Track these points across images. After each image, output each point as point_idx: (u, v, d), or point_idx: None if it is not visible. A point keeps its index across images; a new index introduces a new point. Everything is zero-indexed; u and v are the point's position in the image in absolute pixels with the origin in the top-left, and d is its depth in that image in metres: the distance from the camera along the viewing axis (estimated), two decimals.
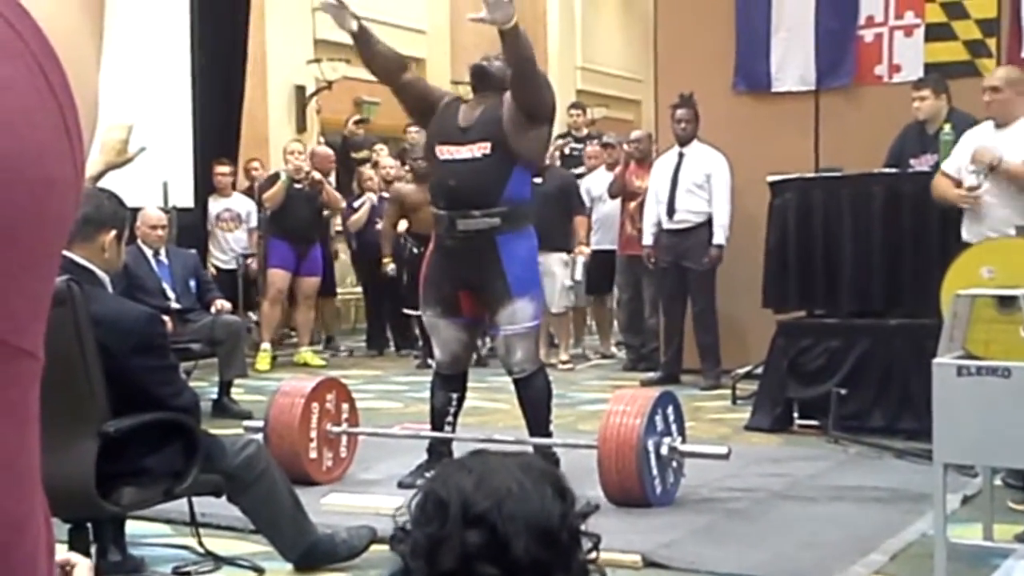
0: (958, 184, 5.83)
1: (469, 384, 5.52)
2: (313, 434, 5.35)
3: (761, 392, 6.84)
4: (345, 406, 5.58)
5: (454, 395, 5.36)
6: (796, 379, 6.58)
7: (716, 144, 8.21)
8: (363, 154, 11.76)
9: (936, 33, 7.96)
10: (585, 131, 11.33)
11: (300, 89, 12.88)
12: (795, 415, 6.60)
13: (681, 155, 8.30)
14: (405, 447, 5.70)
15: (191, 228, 9.33)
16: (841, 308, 6.65)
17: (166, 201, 8.89)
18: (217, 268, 9.56)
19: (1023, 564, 2.77)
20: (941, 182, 5.93)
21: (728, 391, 7.62)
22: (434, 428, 5.40)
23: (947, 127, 6.33)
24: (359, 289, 11.50)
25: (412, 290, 7.61)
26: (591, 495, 4.38)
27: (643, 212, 8.65)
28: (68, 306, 3.32)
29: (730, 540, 4.43)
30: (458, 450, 4.91)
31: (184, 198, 9.60)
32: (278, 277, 9.55)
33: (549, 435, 5.29)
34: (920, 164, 6.63)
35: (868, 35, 8.22)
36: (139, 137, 3.89)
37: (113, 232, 3.68)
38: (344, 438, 5.55)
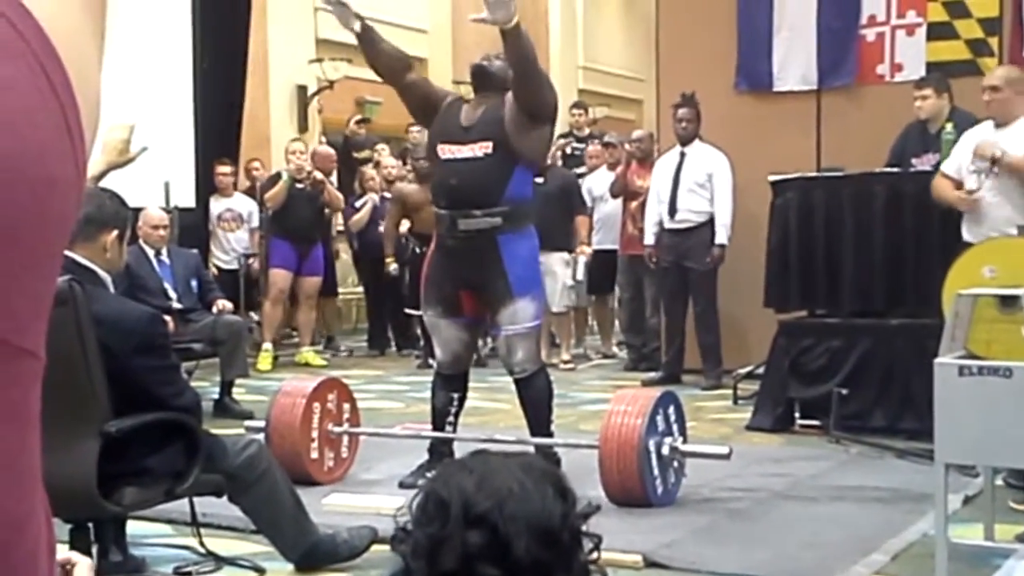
0: (958, 186, 5.83)
1: (470, 384, 5.52)
2: (314, 434, 5.35)
3: (762, 392, 6.84)
4: (346, 406, 5.58)
5: (455, 395, 5.36)
6: (797, 379, 6.58)
7: (718, 144, 8.21)
8: (365, 154, 11.75)
9: (938, 32, 7.96)
10: (587, 130, 11.34)
11: (302, 89, 12.88)
12: (796, 415, 6.60)
13: (683, 155, 8.30)
14: (406, 447, 5.70)
15: (193, 228, 9.33)
16: (842, 308, 6.65)
17: (168, 201, 8.89)
18: (219, 268, 9.56)
19: None
20: (941, 183, 5.93)
21: (729, 391, 7.62)
22: (435, 428, 5.40)
23: (949, 126, 6.33)
24: (360, 289, 11.51)
25: (414, 290, 7.63)
26: (592, 495, 4.39)
27: (644, 212, 8.65)
28: (70, 306, 3.32)
29: (731, 540, 4.43)
30: (459, 450, 4.91)
31: (186, 198, 9.61)
32: (280, 277, 9.55)
33: (550, 435, 5.29)
34: (922, 163, 6.63)
35: (870, 34, 8.22)
36: (141, 137, 3.89)
37: (115, 232, 3.68)
38: (345, 438, 5.55)
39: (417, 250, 8.85)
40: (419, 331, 9.49)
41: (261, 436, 5.01)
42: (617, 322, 10.39)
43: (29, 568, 0.71)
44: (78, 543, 3.57)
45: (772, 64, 8.52)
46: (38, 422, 0.71)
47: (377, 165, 10.90)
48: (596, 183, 9.81)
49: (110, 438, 3.40)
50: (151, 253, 7.17)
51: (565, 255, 9.26)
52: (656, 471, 4.85)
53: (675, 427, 5.01)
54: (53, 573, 0.76)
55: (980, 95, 5.87)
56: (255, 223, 9.84)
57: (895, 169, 6.75)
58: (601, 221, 9.71)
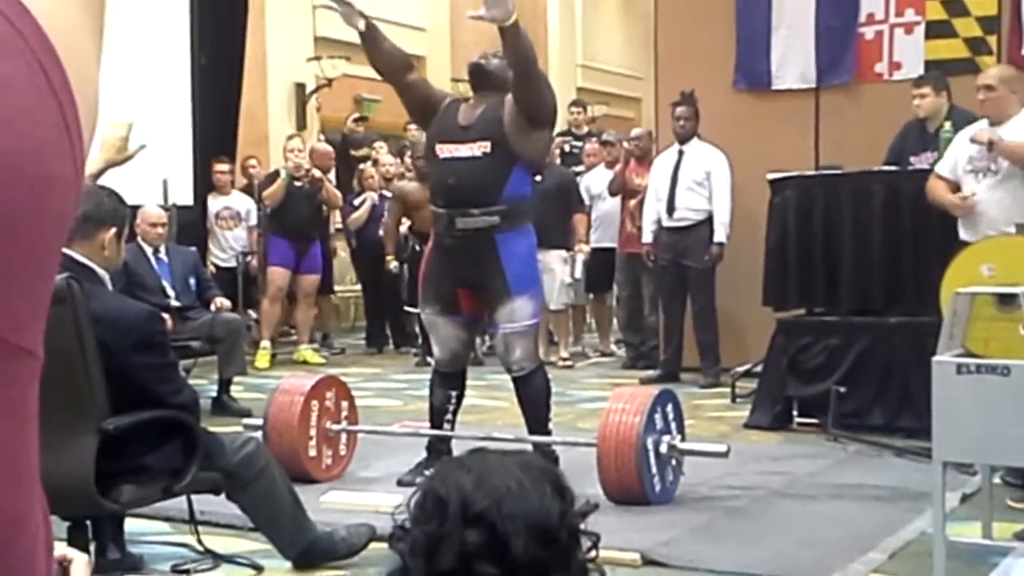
0: (954, 188, 5.83)
1: (468, 382, 5.52)
2: (312, 432, 5.36)
3: (760, 390, 6.84)
4: (344, 404, 5.58)
5: (453, 393, 5.36)
6: (796, 377, 6.58)
7: (716, 142, 8.21)
8: (363, 152, 11.75)
9: (936, 30, 7.96)
10: (585, 129, 11.32)
11: (300, 87, 12.87)
12: (794, 413, 6.60)
13: (681, 153, 8.30)
14: (404, 445, 5.70)
15: (191, 226, 9.33)
16: (841, 306, 6.65)
17: (166, 199, 8.89)
18: (217, 266, 9.56)
19: (1022, 562, 2.77)
20: (936, 186, 5.92)
21: (727, 389, 7.62)
22: (433, 426, 5.40)
23: (947, 125, 6.33)
24: (358, 287, 11.51)
25: (412, 288, 7.62)
26: (590, 493, 4.39)
27: (643, 210, 8.65)
28: (68, 304, 3.32)
29: (729, 538, 4.43)
30: (457, 448, 4.91)
31: (184, 196, 9.60)
32: (278, 275, 9.55)
33: (548, 433, 5.29)
34: (920, 162, 6.63)
35: (868, 32, 8.22)
36: (139, 135, 3.89)
37: (113, 230, 3.68)
38: (343, 436, 5.55)
39: (417, 248, 8.84)
40: (417, 329, 9.49)
41: (259, 434, 5.01)
42: (615, 320, 10.38)
43: (27, 566, 0.71)
44: (76, 541, 3.57)
45: (771, 62, 8.52)
46: (36, 420, 0.71)
47: (375, 163, 10.89)
48: (594, 181, 9.80)
49: (108, 436, 3.40)
50: (149, 251, 7.17)
51: (563, 253, 9.26)
52: (654, 469, 4.86)
53: (673, 425, 5.01)
54: (51, 571, 0.76)
55: (977, 93, 5.88)
56: (253, 221, 9.84)
57: (894, 167, 6.75)
58: (599, 219, 9.71)
